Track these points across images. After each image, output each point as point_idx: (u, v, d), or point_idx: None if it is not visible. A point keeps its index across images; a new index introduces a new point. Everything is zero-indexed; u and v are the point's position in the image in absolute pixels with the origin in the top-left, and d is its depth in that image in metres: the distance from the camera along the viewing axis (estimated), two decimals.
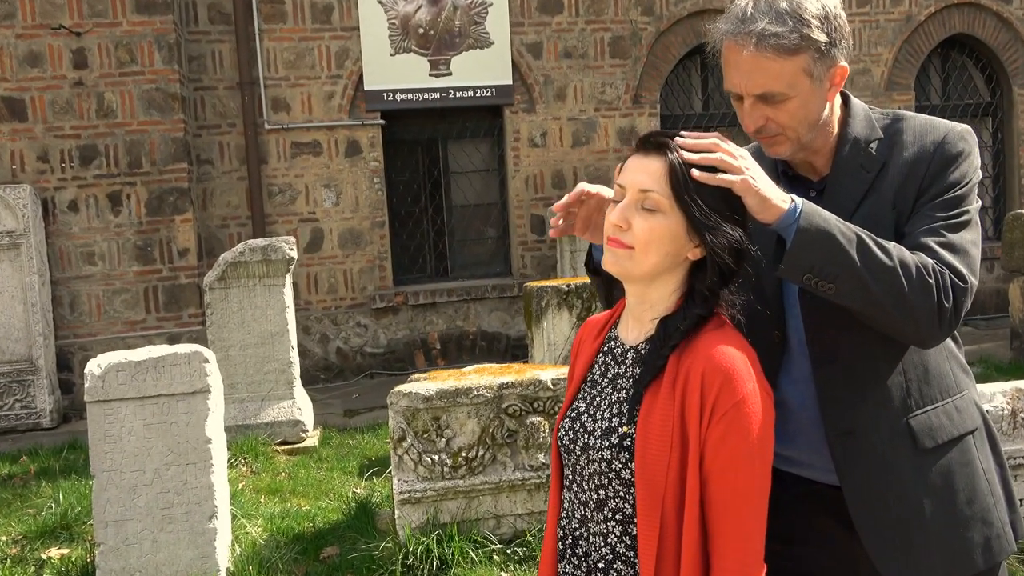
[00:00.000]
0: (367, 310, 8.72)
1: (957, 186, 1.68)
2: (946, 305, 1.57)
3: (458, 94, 8.73)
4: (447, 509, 4.13)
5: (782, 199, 1.52)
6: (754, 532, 1.42)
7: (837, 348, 1.70)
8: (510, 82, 8.82)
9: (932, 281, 1.56)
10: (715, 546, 1.42)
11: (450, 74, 8.69)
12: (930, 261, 1.58)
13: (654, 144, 1.50)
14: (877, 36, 9.56)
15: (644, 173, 1.48)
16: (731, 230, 1.49)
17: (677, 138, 1.50)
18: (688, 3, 9.16)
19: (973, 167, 1.72)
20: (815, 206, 1.56)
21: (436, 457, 4.10)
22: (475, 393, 4.10)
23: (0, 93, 7.62)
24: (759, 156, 1.76)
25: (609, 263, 1.52)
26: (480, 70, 8.73)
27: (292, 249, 6.30)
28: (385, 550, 4.07)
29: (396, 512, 4.15)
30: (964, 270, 1.60)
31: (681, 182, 1.46)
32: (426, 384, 4.15)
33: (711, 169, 1.48)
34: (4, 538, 4.70)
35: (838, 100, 1.78)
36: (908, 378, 1.72)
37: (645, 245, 1.47)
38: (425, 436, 4.11)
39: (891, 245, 1.58)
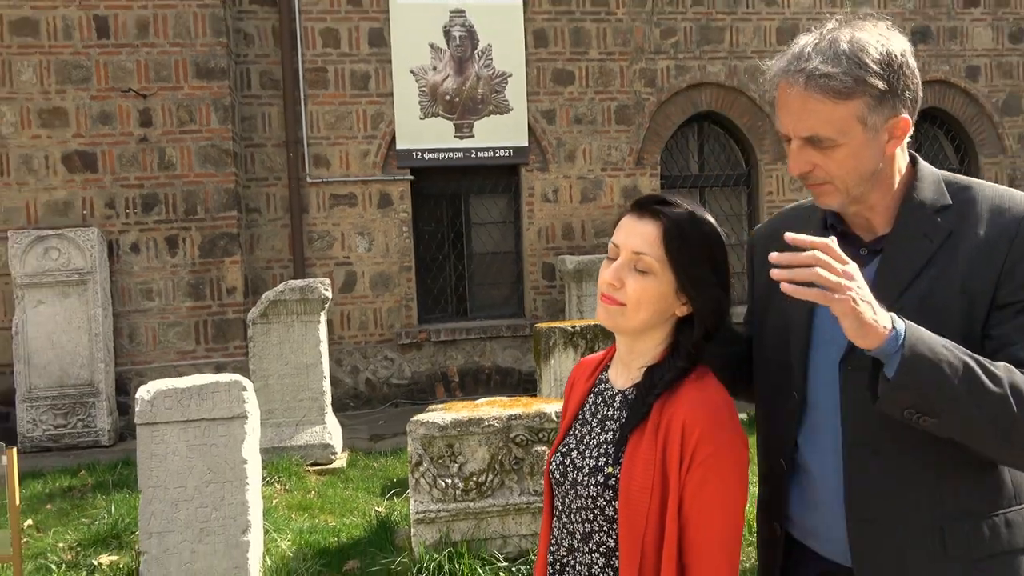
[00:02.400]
0: (394, 345, 8.73)
1: None
2: None
3: (479, 154, 8.80)
4: (458, 529, 4.08)
5: (884, 323, 1.25)
6: (727, 572, 1.40)
7: (878, 436, 1.42)
8: (526, 144, 8.90)
9: None
10: None
11: (473, 136, 8.77)
12: None
13: (649, 208, 1.47)
14: None
15: (638, 236, 1.46)
16: (715, 293, 1.47)
17: (786, 235, 1.31)
18: (687, 77, 9.24)
19: None
20: (919, 330, 1.27)
21: (449, 481, 4.07)
22: (486, 423, 4.08)
23: (75, 147, 7.76)
24: (810, 208, 1.57)
25: (602, 317, 1.50)
26: (499, 133, 8.81)
27: (327, 290, 6.33)
28: (401, 565, 4.03)
29: (412, 530, 4.11)
30: None
31: (673, 248, 1.44)
32: (442, 414, 4.14)
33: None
34: (61, 544, 4.69)
35: (903, 157, 1.50)
36: (955, 482, 1.40)
37: (636, 303, 1.45)
38: (440, 461, 4.09)
39: (1000, 367, 1.27)
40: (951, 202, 1.46)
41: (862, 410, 1.41)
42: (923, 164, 1.52)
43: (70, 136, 7.74)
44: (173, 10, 7.82)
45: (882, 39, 1.39)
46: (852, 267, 1.26)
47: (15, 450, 3.74)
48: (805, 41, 1.43)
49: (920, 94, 1.42)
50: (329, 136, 8.56)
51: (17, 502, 3.65)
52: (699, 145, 9.69)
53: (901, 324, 1.27)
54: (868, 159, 1.41)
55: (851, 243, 1.49)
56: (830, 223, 1.55)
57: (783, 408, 1.55)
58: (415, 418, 4.12)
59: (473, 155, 8.79)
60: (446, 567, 3.92)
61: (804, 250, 1.26)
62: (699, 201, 9.63)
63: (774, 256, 1.26)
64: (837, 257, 1.25)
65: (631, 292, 1.45)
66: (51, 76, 7.69)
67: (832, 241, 1.26)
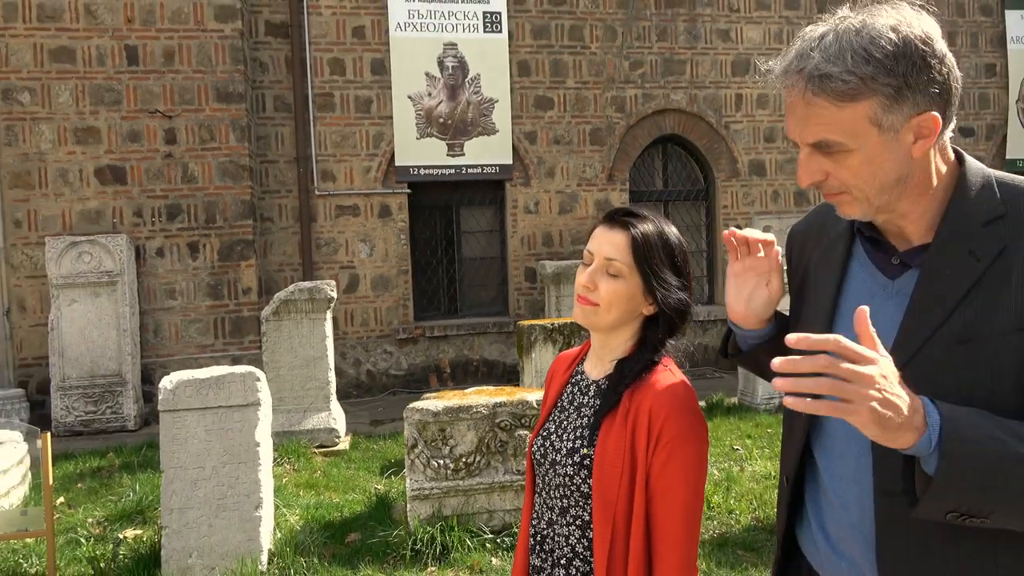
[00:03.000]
0: (392, 340, 8.66)
1: None
2: None
3: (469, 170, 8.76)
4: (449, 504, 4.04)
5: (916, 423, 0.92)
6: (689, 541, 1.38)
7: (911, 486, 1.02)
8: (511, 161, 8.86)
9: None
10: (656, 552, 1.38)
11: (463, 154, 8.72)
12: None
13: (619, 220, 1.48)
14: None
15: (609, 244, 1.46)
16: (678, 294, 1.47)
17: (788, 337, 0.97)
18: (652, 104, 9.24)
19: None
20: (958, 420, 0.93)
21: (441, 461, 4.03)
22: (474, 410, 4.04)
23: (107, 162, 7.65)
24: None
25: (578, 316, 1.50)
26: (487, 152, 8.77)
27: (332, 290, 6.26)
28: (398, 537, 3.98)
29: (408, 506, 4.06)
30: None
31: (640, 255, 1.44)
32: (435, 402, 4.09)
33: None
34: (90, 520, 4.60)
35: (941, 157, 1.11)
36: (1003, 557, 1.03)
37: (608, 304, 1.45)
38: (433, 444, 4.04)
39: None
40: (1005, 210, 1.06)
41: (892, 458, 1.02)
42: (971, 163, 1.14)
43: (102, 152, 7.63)
44: (196, 40, 7.72)
45: (901, 26, 1.03)
46: (872, 362, 0.91)
47: (48, 434, 3.66)
48: (810, 34, 1.08)
49: (956, 84, 1.05)
50: (335, 154, 8.48)
51: (50, 482, 3.57)
52: (663, 164, 9.70)
53: (935, 415, 0.94)
54: (889, 165, 1.06)
55: (883, 250, 1.16)
56: (858, 227, 1.21)
57: (795, 421, 1.28)
58: (411, 405, 4.08)
59: (464, 171, 8.74)
60: (438, 539, 3.87)
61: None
62: (663, 213, 9.63)
63: (775, 363, 0.91)
64: (852, 355, 0.91)
65: (604, 293, 1.45)
66: (86, 98, 7.58)
67: (839, 344, 0.91)
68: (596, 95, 9.10)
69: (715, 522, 4.29)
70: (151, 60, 7.64)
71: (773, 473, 5.00)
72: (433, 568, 3.77)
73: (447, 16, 8.55)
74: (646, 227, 1.46)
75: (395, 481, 5.15)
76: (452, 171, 8.70)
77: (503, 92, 8.76)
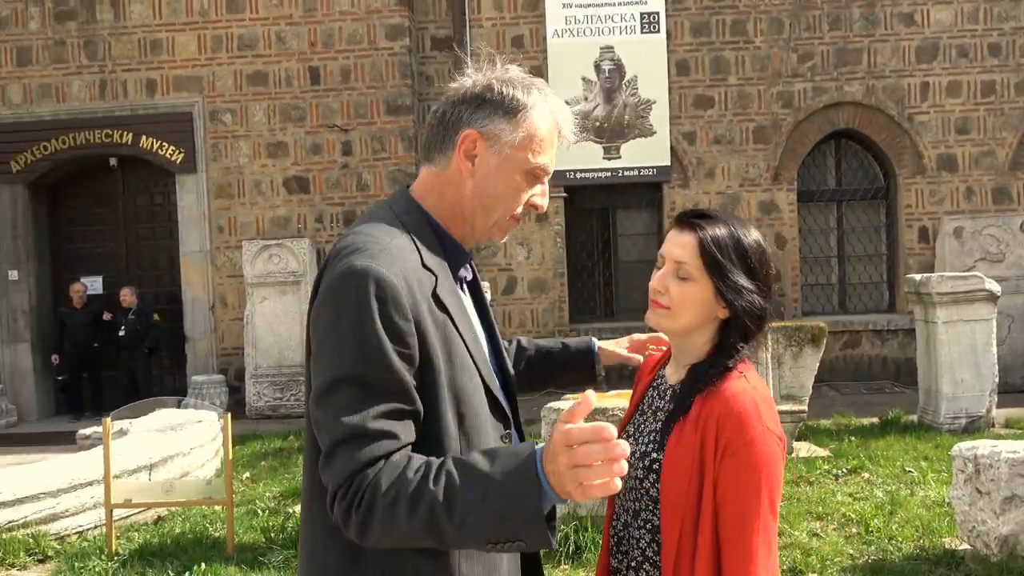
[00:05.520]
0: None
1: None
2: None
3: (625, 173, 8.74)
4: (585, 505, 4.08)
5: None
6: (756, 553, 1.35)
7: None
8: (668, 163, 8.72)
9: None
10: (724, 561, 1.36)
11: (620, 157, 8.72)
12: None
13: (689, 222, 1.46)
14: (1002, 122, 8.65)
15: (679, 247, 1.44)
16: (751, 298, 1.42)
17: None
18: (824, 97, 8.70)
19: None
20: None
21: None
22: (611, 412, 4.06)
23: (293, 173, 8.47)
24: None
25: (651, 319, 1.50)
26: (644, 154, 8.70)
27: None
28: None
29: None
30: None
31: (709, 257, 1.41)
32: (572, 402, 4.16)
33: None
34: (268, 494, 5.12)
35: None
36: None
37: (679, 307, 1.44)
38: None
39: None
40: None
41: None
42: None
43: (289, 164, 8.46)
44: (369, 59, 8.35)
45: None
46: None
47: (229, 415, 4.16)
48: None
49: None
50: None
51: (230, 457, 4.06)
52: (836, 161, 9.10)
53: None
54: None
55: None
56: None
57: None
58: (548, 405, 4.18)
59: (620, 174, 8.73)
60: (571, 537, 3.93)
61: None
62: (836, 214, 9.04)
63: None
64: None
65: (674, 297, 1.44)
66: (276, 116, 8.44)
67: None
68: (760, 91, 8.72)
69: (872, 547, 3.99)
70: (330, 79, 8.36)
71: (947, 499, 4.56)
72: (566, 566, 3.84)
73: (604, 20, 8.59)
74: (717, 229, 1.43)
75: None
76: (608, 174, 8.72)
77: (661, 93, 8.65)
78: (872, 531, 4.15)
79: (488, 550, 1.10)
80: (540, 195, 1.33)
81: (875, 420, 6.62)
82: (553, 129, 1.29)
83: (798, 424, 5.63)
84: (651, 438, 1.49)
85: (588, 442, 1.01)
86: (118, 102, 8.54)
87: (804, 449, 5.70)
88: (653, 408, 1.54)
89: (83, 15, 8.53)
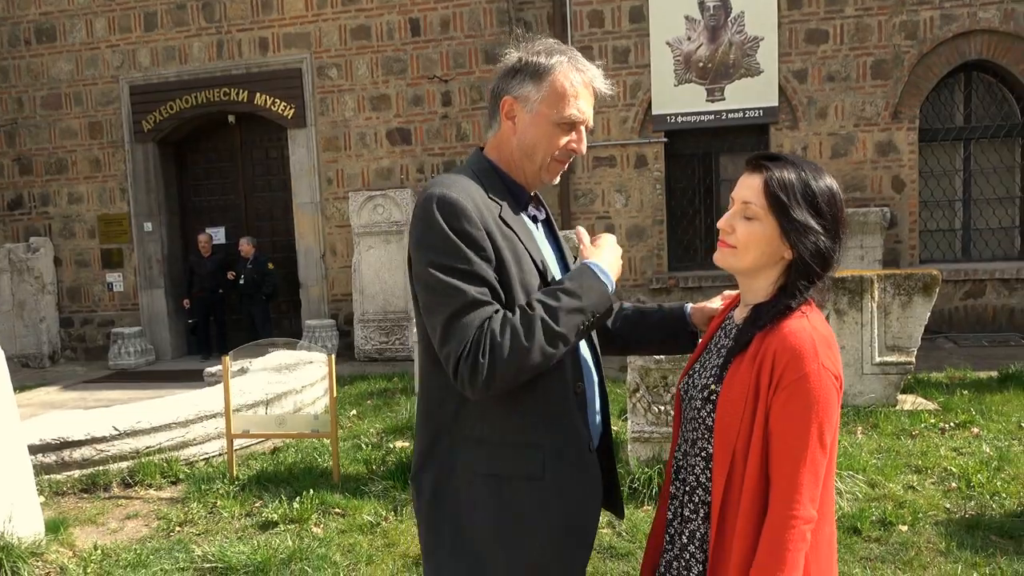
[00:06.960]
0: (646, 290, 8.78)
1: None
2: None
3: (730, 115, 8.42)
4: (668, 449, 4.14)
5: None
6: (803, 485, 1.38)
7: None
8: (776, 104, 8.33)
9: None
10: (772, 491, 1.40)
11: (724, 99, 8.40)
12: None
13: (757, 164, 1.48)
14: None
15: (747, 187, 1.47)
16: (816, 238, 1.43)
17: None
18: (953, 26, 8.00)
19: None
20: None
21: (662, 407, 4.13)
22: None
23: (395, 125, 8.70)
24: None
25: (718, 259, 1.53)
26: (750, 95, 8.34)
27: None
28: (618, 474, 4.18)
29: (629, 447, 4.24)
30: None
31: (773, 197, 1.43)
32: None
33: None
34: (371, 430, 5.47)
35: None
36: None
37: (744, 246, 1.47)
38: (654, 390, 4.16)
39: None
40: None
41: None
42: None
43: (392, 116, 8.70)
44: (467, 8, 8.38)
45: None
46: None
47: (333, 357, 4.46)
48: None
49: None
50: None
51: (334, 395, 4.36)
52: (965, 96, 8.39)
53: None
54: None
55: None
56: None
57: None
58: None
59: (724, 117, 8.43)
60: (655, 480, 4.00)
61: None
62: (964, 153, 8.39)
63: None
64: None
65: (740, 236, 1.47)
66: (379, 69, 8.66)
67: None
68: (881, 22, 8.13)
69: (973, 502, 3.84)
70: (430, 30, 8.46)
71: None
72: (648, 507, 3.92)
73: None
74: (784, 170, 1.44)
75: (620, 423, 5.33)
76: (712, 117, 8.43)
77: (770, 29, 8.22)
78: (974, 486, 3.99)
79: (580, 337, 1.49)
80: (576, 141, 1.61)
81: (993, 374, 6.24)
82: (578, 85, 1.56)
83: (904, 376, 5.39)
84: (712, 372, 1.55)
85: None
86: (234, 61, 9.01)
87: (909, 402, 5.46)
88: (719, 346, 1.60)
89: None
